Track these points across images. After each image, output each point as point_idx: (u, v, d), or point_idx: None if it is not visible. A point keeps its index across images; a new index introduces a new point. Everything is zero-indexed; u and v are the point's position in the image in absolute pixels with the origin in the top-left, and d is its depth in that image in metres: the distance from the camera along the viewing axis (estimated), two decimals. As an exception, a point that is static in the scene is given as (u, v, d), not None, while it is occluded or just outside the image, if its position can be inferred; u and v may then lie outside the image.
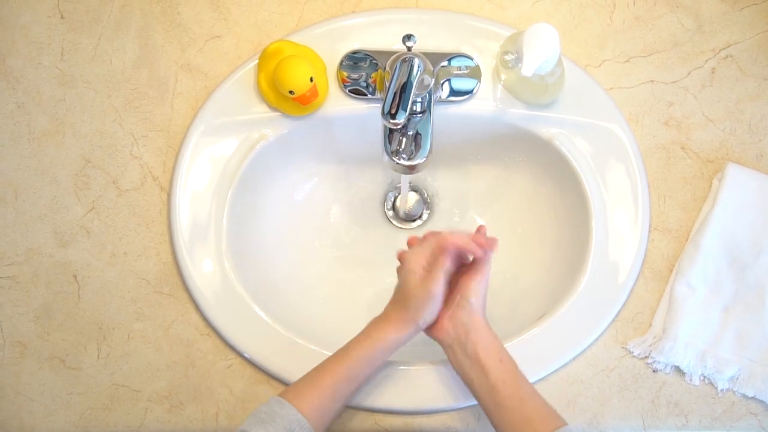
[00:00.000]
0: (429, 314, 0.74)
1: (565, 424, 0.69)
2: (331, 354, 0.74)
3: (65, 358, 0.83)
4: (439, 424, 0.81)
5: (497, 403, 0.71)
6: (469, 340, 0.73)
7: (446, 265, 0.73)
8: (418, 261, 0.74)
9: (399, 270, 0.76)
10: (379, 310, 0.92)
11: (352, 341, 0.74)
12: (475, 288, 0.75)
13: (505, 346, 0.81)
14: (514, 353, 0.81)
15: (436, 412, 0.81)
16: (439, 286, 0.73)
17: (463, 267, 0.77)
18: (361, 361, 0.73)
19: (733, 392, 0.82)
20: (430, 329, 0.76)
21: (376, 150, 0.84)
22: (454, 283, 0.76)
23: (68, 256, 0.84)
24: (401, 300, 0.75)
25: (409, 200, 0.98)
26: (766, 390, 0.81)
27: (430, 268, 0.73)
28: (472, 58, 0.87)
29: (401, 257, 0.76)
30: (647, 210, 0.85)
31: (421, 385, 0.80)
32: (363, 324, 0.90)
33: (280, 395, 0.70)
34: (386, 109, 0.72)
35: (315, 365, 0.74)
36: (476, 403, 0.80)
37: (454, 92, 0.86)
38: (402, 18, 0.88)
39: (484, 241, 0.74)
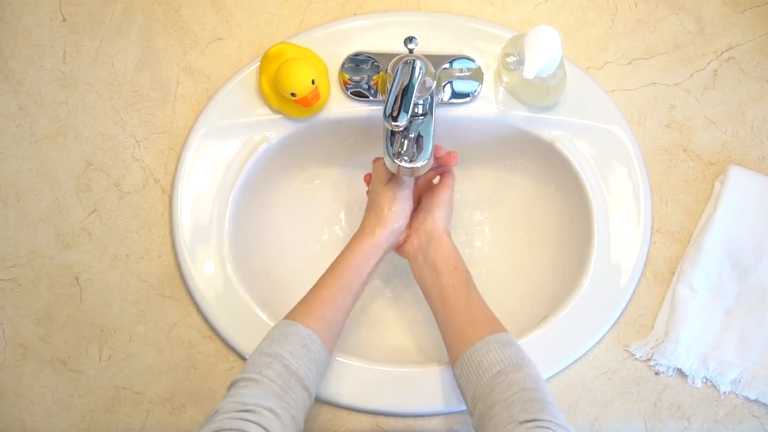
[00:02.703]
0: (397, 216, 0.80)
1: (506, 331, 0.73)
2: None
3: (67, 360, 0.83)
4: (440, 427, 0.81)
5: (445, 304, 0.77)
6: (429, 249, 0.80)
7: None
8: (383, 171, 0.81)
9: (371, 181, 0.84)
10: (379, 310, 0.93)
11: (337, 257, 0.79)
12: (438, 202, 0.82)
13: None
14: (516, 356, 0.81)
15: (437, 414, 0.81)
16: (403, 189, 0.81)
17: (430, 186, 0.85)
18: (349, 270, 0.77)
19: (736, 395, 0.82)
20: (399, 247, 0.83)
21: (378, 152, 0.84)
22: (422, 202, 0.84)
23: (70, 259, 0.84)
24: (371, 207, 0.81)
25: (410, 202, 0.98)
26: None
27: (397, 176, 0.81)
28: (473, 61, 0.87)
29: (373, 172, 0.84)
30: (649, 212, 0.85)
31: (422, 388, 0.80)
32: (363, 324, 0.91)
33: (287, 317, 0.74)
34: (388, 112, 0.72)
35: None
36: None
37: (455, 94, 0.86)
38: (404, 20, 0.88)
39: (444, 156, 0.81)
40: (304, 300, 0.76)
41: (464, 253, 0.93)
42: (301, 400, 0.68)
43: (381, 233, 0.80)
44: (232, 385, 0.67)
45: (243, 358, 0.82)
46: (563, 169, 0.87)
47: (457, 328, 0.74)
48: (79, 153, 0.86)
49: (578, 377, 0.82)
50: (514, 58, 0.83)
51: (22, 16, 0.89)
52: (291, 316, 0.74)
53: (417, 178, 0.85)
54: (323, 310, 0.75)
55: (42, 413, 0.82)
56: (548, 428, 0.61)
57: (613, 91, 0.88)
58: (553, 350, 0.82)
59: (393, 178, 0.82)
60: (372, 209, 0.82)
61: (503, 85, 0.87)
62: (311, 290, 0.77)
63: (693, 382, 0.82)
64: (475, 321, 0.74)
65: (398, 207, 0.81)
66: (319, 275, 0.78)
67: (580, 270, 0.84)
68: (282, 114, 0.86)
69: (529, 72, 0.76)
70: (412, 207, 0.83)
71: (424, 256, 0.80)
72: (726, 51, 0.89)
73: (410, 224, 0.83)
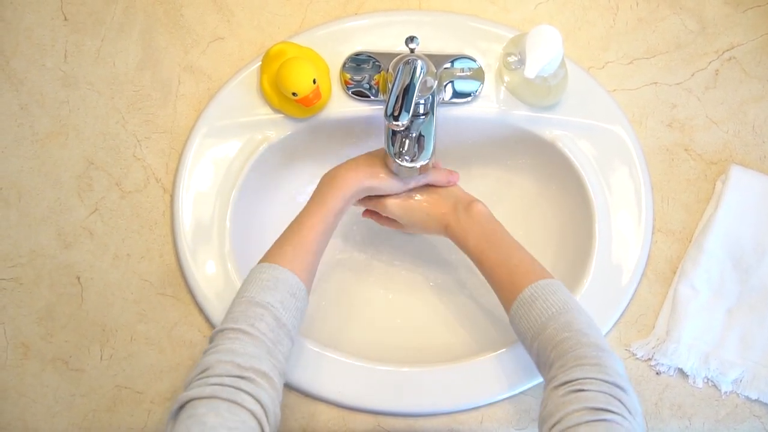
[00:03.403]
0: (370, 162, 0.80)
1: (550, 276, 0.73)
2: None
3: (68, 359, 0.83)
4: (442, 426, 0.81)
5: (499, 246, 0.77)
6: (462, 210, 0.80)
7: None
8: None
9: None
10: (380, 311, 0.93)
11: (323, 192, 0.78)
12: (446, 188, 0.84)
13: (508, 348, 0.81)
14: (517, 357, 0.81)
15: (438, 414, 0.81)
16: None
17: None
18: (335, 212, 0.77)
19: (737, 394, 0.82)
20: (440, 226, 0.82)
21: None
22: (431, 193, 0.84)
23: (71, 258, 0.84)
24: (376, 156, 0.80)
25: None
26: (769, 392, 0.81)
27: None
28: (475, 60, 0.87)
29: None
30: (650, 212, 0.85)
31: (423, 388, 0.80)
32: (364, 326, 0.91)
33: (270, 260, 0.72)
34: (389, 111, 0.72)
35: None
36: (479, 405, 0.80)
37: (457, 94, 0.86)
38: (405, 20, 0.88)
39: (443, 175, 0.83)
40: (290, 242, 0.74)
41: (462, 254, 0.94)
42: (287, 351, 0.68)
43: (377, 182, 0.79)
44: (221, 333, 0.65)
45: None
46: (564, 169, 0.87)
47: (523, 262, 0.75)
48: (81, 152, 0.86)
49: (579, 377, 0.82)
50: (516, 58, 0.83)
51: (23, 15, 0.89)
52: (277, 258, 0.72)
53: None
54: (309, 254, 0.74)
55: (44, 412, 0.82)
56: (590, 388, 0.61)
57: (615, 90, 0.88)
58: (554, 350, 0.82)
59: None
60: (376, 158, 0.81)
61: (504, 84, 0.87)
62: (296, 231, 0.75)
63: (694, 382, 0.82)
64: (536, 261, 0.75)
65: (371, 159, 0.81)
66: (320, 275, 0.77)
67: (581, 269, 0.84)
68: (283, 113, 0.86)
69: (530, 71, 0.76)
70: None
71: (456, 218, 0.80)
72: (727, 50, 0.89)
73: (433, 207, 0.83)
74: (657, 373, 0.82)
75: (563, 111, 0.86)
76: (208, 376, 0.61)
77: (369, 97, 0.86)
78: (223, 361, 0.62)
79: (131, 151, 0.86)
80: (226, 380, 0.61)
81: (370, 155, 0.81)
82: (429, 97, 0.80)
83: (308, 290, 0.73)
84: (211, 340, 0.66)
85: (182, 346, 0.83)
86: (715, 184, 0.86)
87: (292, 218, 0.93)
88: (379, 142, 0.81)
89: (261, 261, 0.73)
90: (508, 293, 0.73)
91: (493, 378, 0.81)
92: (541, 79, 0.81)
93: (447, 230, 0.81)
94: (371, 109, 0.86)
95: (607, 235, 0.84)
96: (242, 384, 0.61)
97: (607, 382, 0.61)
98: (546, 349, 0.67)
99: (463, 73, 0.86)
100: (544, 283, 0.71)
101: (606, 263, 0.84)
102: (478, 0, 0.89)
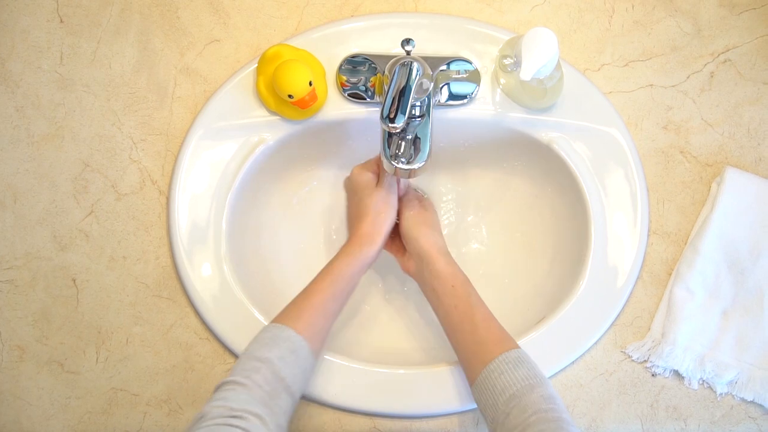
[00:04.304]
0: (391, 221, 0.82)
1: (517, 347, 0.72)
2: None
3: (64, 362, 0.83)
4: (438, 428, 0.81)
5: (452, 326, 0.76)
6: (425, 273, 0.80)
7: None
8: (367, 177, 0.83)
9: (351, 188, 0.85)
10: (378, 311, 0.93)
11: (331, 262, 0.79)
12: (422, 222, 0.83)
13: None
14: (513, 357, 0.81)
15: (434, 416, 0.81)
16: (392, 193, 0.83)
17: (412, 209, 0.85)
18: (343, 277, 0.77)
19: (732, 396, 0.82)
20: (404, 268, 0.85)
21: (375, 154, 0.84)
22: (405, 226, 0.84)
23: (67, 260, 0.84)
24: (365, 214, 0.81)
25: (408, 204, 0.98)
26: (765, 394, 0.81)
27: (382, 180, 0.83)
28: (471, 62, 0.87)
29: (353, 178, 0.85)
30: (646, 214, 0.85)
31: (420, 389, 0.80)
32: (362, 326, 0.91)
33: (277, 321, 0.73)
34: (385, 113, 0.72)
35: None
36: (475, 407, 0.80)
37: (453, 96, 0.86)
38: (401, 22, 0.88)
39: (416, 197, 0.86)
40: (296, 304, 0.75)
41: (461, 255, 0.94)
42: (287, 406, 0.68)
43: (380, 240, 0.80)
44: (219, 387, 0.67)
45: (240, 359, 0.82)
46: (560, 171, 0.87)
47: (468, 352, 0.74)
48: (77, 154, 0.86)
49: (575, 379, 0.82)
50: (511, 60, 0.83)
51: (19, 17, 0.88)
52: (282, 319, 0.74)
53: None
54: (315, 316, 0.74)
55: (39, 415, 0.82)
56: None
57: (610, 92, 0.88)
58: (550, 352, 0.82)
59: (380, 183, 0.83)
60: (365, 215, 0.81)
61: (500, 86, 0.87)
62: (303, 294, 0.76)
63: (690, 384, 0.82)
64: (483, 341, 0.73)
65: (391, 212, 0.82)
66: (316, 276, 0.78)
67: (577, 271, 0.84)
68: (279, 115, 0.86)
69: (526, 74, 0.76)
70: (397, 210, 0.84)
71: (422, 279, 0.81)
72: (723, 53, 0.89)
73: (401, 248, 0.85)
74: (653, 375, 0.82)
75: (559, 113, 0.87)
76: (201, 419, 0.63)
77: (365, 99, 0.86)
78: (217, 406, 0.64)
79: (127, 153, 0.86)
80: (219, 420, 0.62)
81: (362, 221, 0.82)
82: (425, 100, 0.80)
83: (315, 350, 0.73)
84: (213, 394, 0.67)
85: (178, 348, 0.83)
86: (710, 187, 0.86)
87: (288, 220, 0.94)
88: (375, 144, 0.81)
89: (270, 322, 0.75)
90: (492, 347, 0.73)
91: (489, 380, 0.81)
92: (537, 82, 0.81)
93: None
94: (367, 111, 0.86)
95: (603, 237, 0.84)
96: (234, 421, 0.62)
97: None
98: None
99: (459, 76, 0.86)
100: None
101: (602, 265, 0.84)
102: (475, 2, 0.90)
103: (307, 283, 0.78)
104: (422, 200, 0.87)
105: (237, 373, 0.67)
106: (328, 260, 0.79)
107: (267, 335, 0.71)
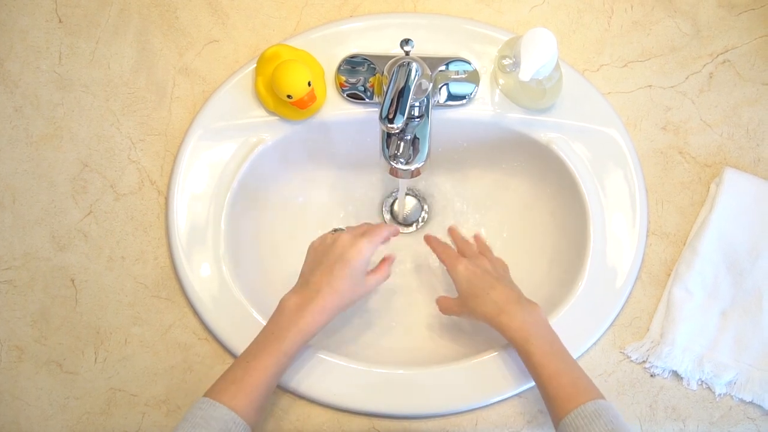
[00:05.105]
0: (354, 303, 0.78)
1: (596, 397, 0.70)
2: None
3: (62, 362, 0.83)
4: (436, 429, 0.81)
5: (533, 373, 0.74)
6: (498, 331, 0.77)
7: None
8: (367, 248, 0.76)
9: (342, 247, 0.76)
10: (376, 312, 0.93)
11: (280, 332, 0.73)
12: (460, 293, 0.81)
13: (503, 350, 0.81)
14: (513, 358, 0.81)
15: (433, 416, 0.81)
16: (370, 289, 0.79)
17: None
18: (290, 354, 0.73)
19: (731, 397, 0.82)
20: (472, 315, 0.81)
21: (374, 154, 0.84)
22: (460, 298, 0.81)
23: (66, 260, 0.84)
24: (340, 284, 0.75)
25: (406, 205, 0.98)
26: (763, 394, 0.81)
27: (377, 264, 0.80)
28: (470, 63, 0.87)
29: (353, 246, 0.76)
30: (645, 214, 0.85)
31: (418, 390, 0.80)
32: (359, 326, 0.91)
33: (211, 396, 0.70)
34: (384, 114, 0.72)
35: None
36: (474, 407, 0.80)
37: (452, 96, 0.86)
38: (400, 22, 0.88)
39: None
40: (235, 379, 0.71)
41: (460, 255, 0.94)
42: None
43: (332, 316, 0.75)
44: None
45: (239, 360, 0.82)
46: (559, 172, 0.87)
47: (548, 399, 0.72)
48: (75, 155, 0.86)
49: (574, 379, 0.82)
50: (510, 61, 0.83)
51: (18, 17, 0.88)
52: (218, 393, 0.70)
53: None
54: (254, 394, 0.70)
55: (38, 415, 0.82)
56: None
57: (609, 93, 0.88)
58: (548, 352, 0.82)
59: (379, 270, 0.80)
60: (340, 293, 0.75)
61: (499, 87, 0.87)
62: (244, 365, 0.72)
63: (688, 384, 0.82)
64: (553, 398, 0.71)
65: (360, 297, 0.78)
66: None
67: (575, 272, 0.84)
68: (278, 116, 0.86)
69: (525, 74, 0.76)
70: None
71: (514, 317, 0.77)
72: (721, 54, 0.89)
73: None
74: (651, 376, 0.82)
75: (558, 114, 0.87)
76: None
77: (364, 99, 0.86)
78: None
79: (126, 154, 0.86)
80: None
81: (336, 294, 0.75)
82: (424, 100, 0.80)
83: (253, 421, 0.70)
84: None
85: (177, 348, 0.83)
86: (709, 187, 0.86)
87: (287, 221, 0.94)
88: (374, 144, 0.81)
89: (205, 393, 0.71)
90: (564, 403, 0.70)
91: (488, 380, 0.81)
92: (536, 82, 0.82)
93: (498, 318, 0.76)
94: (366, 112, 0.86)
95: (602, 237, 0.84)
96: None
97: None
98: None
99: (458, 76, 0.86)
100: (604, 405, 0.69)
101: (601, 266, 0.84)
102: (474, 3, 0.90)
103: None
104: (447, 266, 0.83)
105: None
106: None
107: (198, 414, 0.68)
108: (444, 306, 0.84)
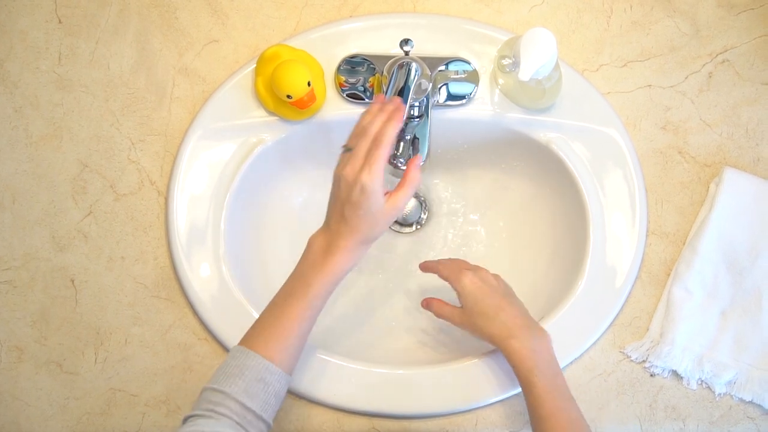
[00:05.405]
0: (385, 230, 0.72)
1: None
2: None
3: (62, 362, 0.83)
4: (436, 429, 0.81)
5: (532, 414, 0.73)
6: (507, 348, 0.75)
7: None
8: (369, 180, 0.68)
9: (347, 187, 0.70)
10: (375, 312, 0.93)
11: (307, 275, 0.71)
12: (464, 306, 0.79)
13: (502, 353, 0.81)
14: (512, 358, 0.81)
15: (433, 416, 0.81)
16: (396, 215, 0.72)
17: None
18: (320, 297, 0.71)
19: (731, 396, 0.82)
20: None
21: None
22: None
23: (65, 261, 0.84)
24: (357, 223, 0.70)
25: (406, 205, 0.98)
26: (763, 394, 0.81)
27: (396, 185, 0.72)
28: (469, 63, 0.87)
29: (343, 174, 0.70)
30: (644, 214, 0.85)
31: (419, 390, 0.80)
32: (359, 326, 0.91)
33: (245, 344, 0.70)
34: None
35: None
36: (473, 407, 0.80)
37: (451, 96, 0.86)
38: (400, 22, 0.88)
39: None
40: (267, 325, 0.70)
41: (459, 255, 0.94)
42: (258, 430, 0.66)
43: (361, 255, 0.73)
44: (185, 421, 0.65)
45: (239, 360, 0.82)
46: (559, 171, 0.87)
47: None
48: (75, 155, 0.86)
49: (574, 379, 0.82)
50: (510, 60, 0.83)
51: (17, 18, 0.88)
52: (251, 341, 0.70)
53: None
54: (288, 341, 0.70)
55: (38, 416, 0.82)
56: None
57: (609, 93, 0.88)
58: (548, 352, 0.82)
59: (398, 193, 0.72)
60: (358, 227, 0.71)
61: (499, 87, 0.87)
62: (276, 312, 0.71)
63: (688, 384, 0.82)
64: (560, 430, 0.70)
65: (382, 230, 0.72)
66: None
67: (575, 272, 0.84)
68: (278, 116, 0.86)
69: (524, 74, 0.76)
70: None
71: (524, 343, 0.75)
72: (721, 53, 0.89)
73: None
74: (651, 375, 0.82)
75: (557, 114, 0.87)
76: None
77: (364, 99, 0.86)
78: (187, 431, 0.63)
79: (125, 154, 0.86)
80: None
81: (354, 228, 0.71)
82: (423, 100, 0.80)
83: (287, 369, 0.70)
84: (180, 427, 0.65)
85: (177, 348, 0.83)
86: (708, 187, 0.86)
87: (287, 221, 0.94)
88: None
89: (240, 341, 0.71)
90: None
91: (487, 380, 0.81)
92: (536, 82, 0.82)
93: (507, 341, 0.75)
94: (366, 112, 0.86)
95: (602, 237, 0.84)
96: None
97: None
98: None
99: (458, 76, 0.86)
100: None
101: (600, 265, 0.84)
102: (473, 3, 0.90)
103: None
104: (448, 280, 0.80)
105: (202, 406, 0.65)
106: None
107: (233, 363, 0.68)
108: (440, 311, 0.82)
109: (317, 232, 0.74)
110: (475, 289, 0.78)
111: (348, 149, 0.72)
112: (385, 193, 0.70)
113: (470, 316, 0.78)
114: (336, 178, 0.72)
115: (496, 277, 0.81)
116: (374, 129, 0.71)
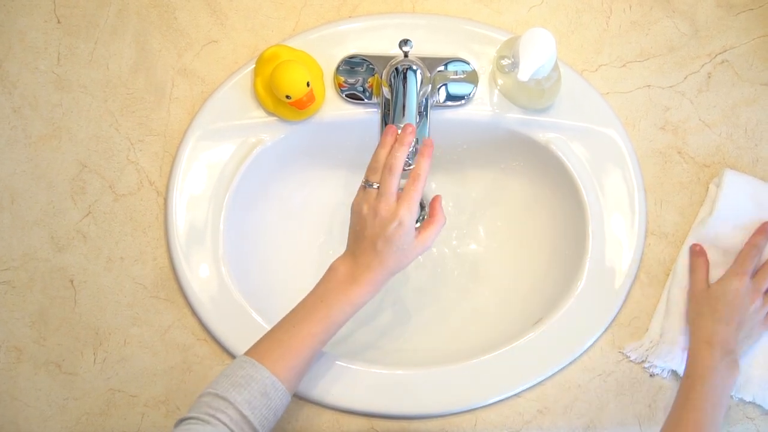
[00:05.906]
0: (408, 265, 0.74)
1: None
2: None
3: (61, 363, 0.82)
4: (435, 429, 0.81)
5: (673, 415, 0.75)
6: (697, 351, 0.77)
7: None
8: (408, 216, 0.71)
9: (381, 222, 0.71)
10: (376, 313, 0.93)
11: (329, 300, 0.71)
12: None
13: (502, 350, 0.81)
14: (511, 358, 0.81)
15: (432, 416, 0.81)
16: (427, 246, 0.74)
17: None
18: (338, 324, 0.72)
19: (730, 396, 0.82)
20: None
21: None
22: None
23: (64, 261, 0.84)
24: (388, 257, 0.71)
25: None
26: (762, 394, 0.81)
27: (423, 223, 0.75)
28: (468, 63, 0.87)
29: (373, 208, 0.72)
30: (644, 214, 0.86)
31: (417, 390, 0.80)
32: (359, 327, 0.91)
33: (254, 356, 0.69)
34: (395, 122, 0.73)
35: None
36: (473, 407, 0.80)
37: (450, 97, 0.86)
38: (399, 23, 0.88)
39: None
40: (280, 341, 0.70)
41: (458, 256, 0.94)
42: None
43: (383, 284, 0.73)
44: (179, 423, 0.65)
45: (238, 360, 0.82)
46: (558, 172, 0.87)
47: None
48: (74, 155, 0.86)
49: (573, 379, 0.82)
50: (509, 61, 0.83)
51: (16, 18, 0.88)
52: (261, 354, 0.70)
53: None
54: (297, 361, 0.70)
55: (37, 416, 0.82)
56: None
57: (608, 93, 0.88)
58: (547, 352, 0.82)
59: (427, 230, 0.74)
60: (386, 263, 0.72)
61: (498, 87, 0.87)
62: (290, 329, 0.71)
63: (687, 384, 0.82)
64: None
65: (406, 266, 0.74)
66: (314, 278, 0.76)
67: (574, 272, 0.84)
68: (277, 116, 0.86)
69: (523, 74, 0.76)
70: None
71: (718, 367, 0.76)
72: (720, 54, 0.89)
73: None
74: (651, 375, 0.82)
75: (556, 114, 0.87)
76: None
77: (363, 99, 0.86)
78: None
79: (125, 154, 0.86)
80: None
81: (383, 264, 0.72)
82: (423, 100, 0.80)
83: (290, 388, 0.70)
84: (174, 429, 0.65)
85: (176, 349, 0.83)
86: (707, 187, 0.86)
87: (286, 221, 0.94)
88: (374, 145, 0.81)
89: (247, 351, 0.71)
90: None
91: (487, 380, 0.81)
92: (535, 82, 0.82)
93: (704, 345, 0.77)
94: (365, 112, 0.86)
95: (601, 237, 0.84)
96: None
97: None
98: None
99: (457, 76, 0.86)
100: None
101: (599, 266, 0.84)
102: (472, 3, 0.90)
103: (306, 283, 0.76)
104: None
105: (200, 410, 0.65)
106: (326, 263, 0.75)
107: (240, 373, 0.68)
108: (705, 267, 0.82)
109: (342, 258, 0.75)
110: (735, 296, 0.79)
111: (369, 184, 0.73)
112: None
113: (708, 302, 0.79)
114: (358, 211, 0.73)
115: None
116: (397, 163, 0.72)
